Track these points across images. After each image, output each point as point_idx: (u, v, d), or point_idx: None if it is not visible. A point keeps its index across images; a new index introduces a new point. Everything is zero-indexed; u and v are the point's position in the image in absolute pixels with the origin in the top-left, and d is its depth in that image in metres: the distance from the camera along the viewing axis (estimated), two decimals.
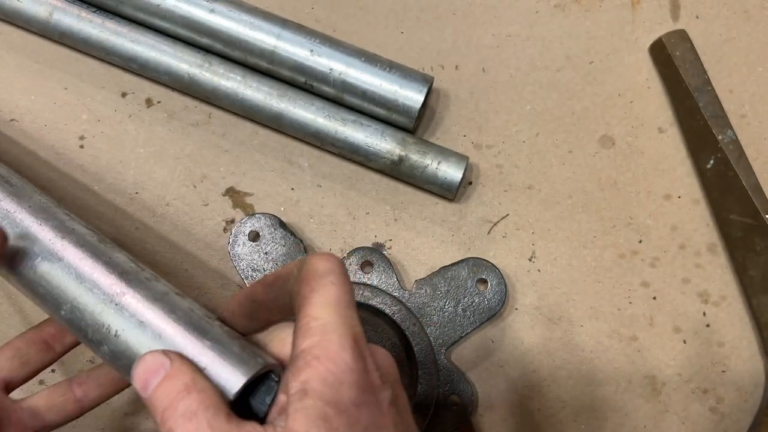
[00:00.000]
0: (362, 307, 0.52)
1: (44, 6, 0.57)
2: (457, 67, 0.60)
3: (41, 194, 0.44)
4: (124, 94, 0.59)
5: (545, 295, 0.55)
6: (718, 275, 0.55)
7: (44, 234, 0.40)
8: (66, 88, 0.59)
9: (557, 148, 0.58)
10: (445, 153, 0.54)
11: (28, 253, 0.39)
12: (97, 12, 0.57)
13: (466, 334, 0.52)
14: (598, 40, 0.60)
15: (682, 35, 0.57)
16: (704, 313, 0.54)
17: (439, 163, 0.54)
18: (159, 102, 0.59)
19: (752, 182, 0.53)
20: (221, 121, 0.58)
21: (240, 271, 0.53)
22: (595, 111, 0.58)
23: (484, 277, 0.53)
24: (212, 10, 0.55)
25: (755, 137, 0.57)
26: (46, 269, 0.38)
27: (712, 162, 0.55)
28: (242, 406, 0.34)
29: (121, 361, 0.36)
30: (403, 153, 0.54)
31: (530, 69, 0.60)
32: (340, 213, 0.56)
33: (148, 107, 0.59)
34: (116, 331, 0.36)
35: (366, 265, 0.53)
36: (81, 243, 0.39)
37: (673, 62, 0.57)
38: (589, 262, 0.55)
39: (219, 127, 0.58)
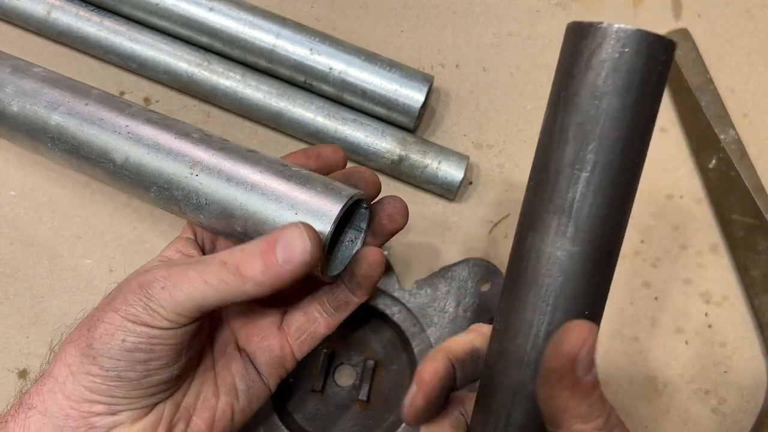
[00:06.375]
0: (361, 308, 0.52)
1: (42, 4, 0.57)
2: (457, 66, 0.60)
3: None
4: (122, 93, 0.59)
5: None
6: (720, 275, 0.55)
7: (114, 120, 0.40)
8: None
9: None
10: (445, 152, 0.54)
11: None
12: (96, 10, 0.57)
13: None
14: None
15: (683, 34, 0.57)
16: (706, 314, 0.54)
17: (439, 163, 0.53)
18: (157, 101, 0.59)
19: (754, 182, 0.53)
20: (220, 121, 0.58)
21: None
22: None
23: (484, 277, 0.52)
24: (211, 9, 0.54)
25: (757, 137, 0.57)
26: (136, 159, 0.39)
27: (714, 162, 0.55)
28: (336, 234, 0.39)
29: (226, 221, 0.37)
30: (403, 152, 0.54)
31: (531, 68, 0.59)
32: None
33: (146, 106, 0.58)
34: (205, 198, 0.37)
35: None
36: (149, 120, 0.40)
37: (675, 61, 0.56)
38: None
39: (218, 127, 0.58)
